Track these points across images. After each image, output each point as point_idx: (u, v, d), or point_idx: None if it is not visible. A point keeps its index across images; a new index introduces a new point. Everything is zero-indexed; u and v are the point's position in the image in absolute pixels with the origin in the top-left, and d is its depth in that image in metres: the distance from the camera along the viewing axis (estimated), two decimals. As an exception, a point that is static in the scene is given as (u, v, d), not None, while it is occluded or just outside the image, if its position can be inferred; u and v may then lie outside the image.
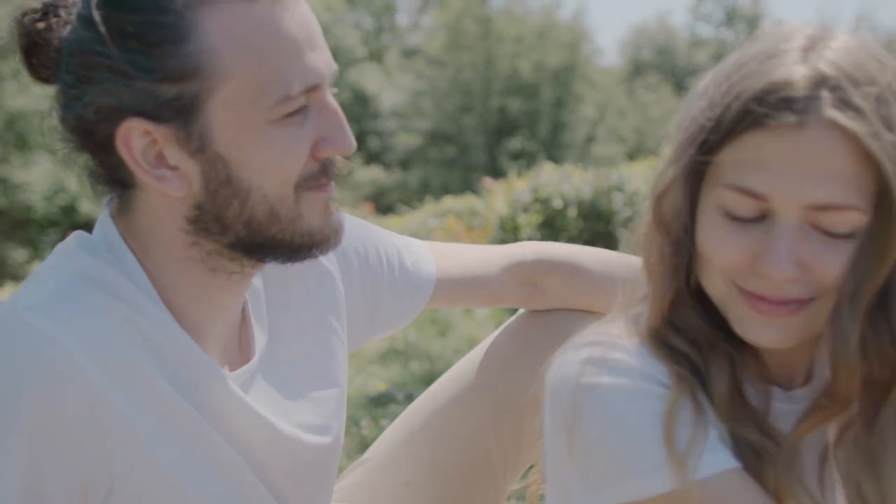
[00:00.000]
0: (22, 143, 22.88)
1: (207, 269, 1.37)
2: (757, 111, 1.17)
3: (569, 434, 1.28)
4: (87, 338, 1.24)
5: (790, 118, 1.15)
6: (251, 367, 1.48)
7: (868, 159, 1.15)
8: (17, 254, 22.28)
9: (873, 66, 1.18)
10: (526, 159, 28.70)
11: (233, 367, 1.46)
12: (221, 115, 1.26)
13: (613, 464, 1.25)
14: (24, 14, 1.32)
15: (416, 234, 9.14)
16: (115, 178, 1.34)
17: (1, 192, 22.57)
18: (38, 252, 21.40)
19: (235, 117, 1.26)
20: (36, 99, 22.61)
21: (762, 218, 1.21)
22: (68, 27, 1.29)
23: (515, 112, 37.71)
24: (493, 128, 37.20)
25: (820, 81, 1.16)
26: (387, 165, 35.18)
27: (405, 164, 36.11)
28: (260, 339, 1.52)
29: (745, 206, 1.20)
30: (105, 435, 1.26)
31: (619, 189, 11.55)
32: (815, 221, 1.18)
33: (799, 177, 1.16)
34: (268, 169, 1.30)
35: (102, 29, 1.23)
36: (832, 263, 1.18)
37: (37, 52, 1.33)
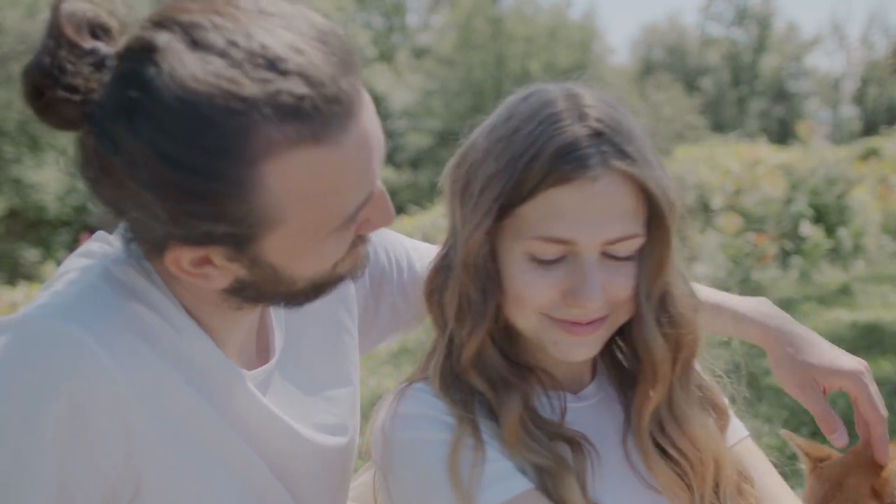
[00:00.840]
0: (34, 145, 22.99)
1: (234, 308, 1.37)
2: (556, 172, 1.37)
3: (386, 484, 1.50)
4: (116, 343, 1.25)
5: (586, 174, 1.37)
6: (269, 368, 1.50)
7: (643, 193, 1.40)
8: (30, 254, 22.39)
9: (618, 114, 1.44)
10: (537, 159, 28.58)
11: (250, 369, 1.47)
12: (276, 244, 1.23)
13: None
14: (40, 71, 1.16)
15: (426, 234, 9.14)
16: (152, 244, 1.26)
17: (14, 192, 22.69)
18: (50, 252, 21.49)
19: (291, 246, 1.24)
20: (48, 100, 22.73)
21: (564, 258, 1.42)
22: (94, 109, 1.16)
23: (526, 112, 37.63)
24: (503, 128, 37.13)
25: (597, 138, 1.39)
26: (397, 165, 35.21)
27: (415, 163, 36.13)
28: (278, 339, 1.54)
29: (552, 251, 1.41)
30: (132, 441, 1.27)
31: (631, 189, 11.59)
32: (608, 252, 1.42)
33: (597, 220, 1.39)
34: (318, 267, 1.31)
35: (157, 176, 1.14)
36: (623, 283, 1.43)
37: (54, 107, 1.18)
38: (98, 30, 1.17)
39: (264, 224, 1.19)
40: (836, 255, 9.99)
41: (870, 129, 35.00)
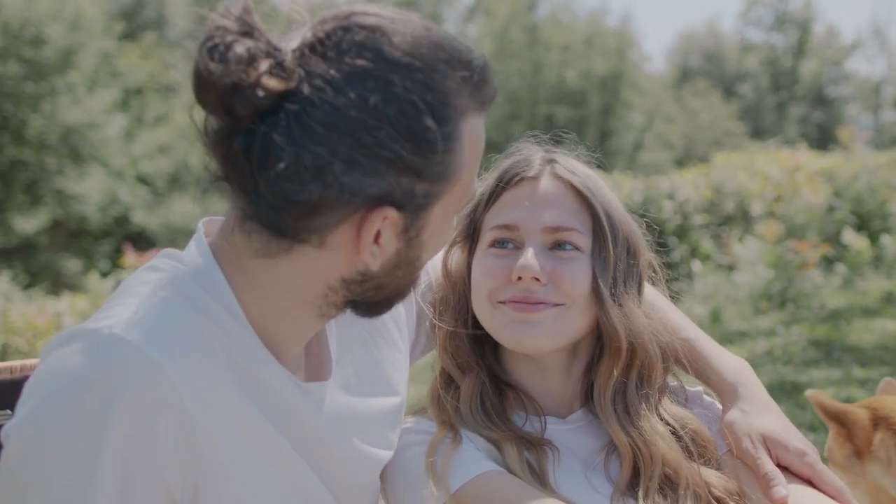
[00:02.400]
0: (76, 156, 23.33)
1: (317, 314, 1.44)
2: (507, 176, 1.76)
3: (384, 495, 1.72)
4: (181, 358, 1.29)
5: (530, 173, 1.75)
6: (328, 383, 1.55)
7: (583, 201, 1.73)
8: (73, 264, 22.71)
9: (588, 171, 1.79)
10: (573, 167, 28.49)
11: (305, 381, 1.52)
12: (439, 212, 1.40)
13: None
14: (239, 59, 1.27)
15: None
16: (288, 230, 1.34)
17: (57, 203, 23.03)
18: (92, 262, 21.78)
19: (444, 214, 1.42)
20: (90, 113, 23.07)
21: (517, 249, 1.71)
22: (298, 81, 1.28)
23: (563, 120, 37.59)
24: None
25: (549, 159, 1.78)
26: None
27: (452, 172, 36.07)
28: (332, 355, 1.60)
29: (503, 236, 1.73)
30: (191, 450, 1.30)
31: (670, 197, 11.51)
32: (553, 242, 1.70)
33: (537, 209, 1.71)
34: (436, 249, 1.47)
35: (393, 123, 1.28)
36: (570, 273, 1.69)
37: (240, 95, 1.27)
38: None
39: (450, 182, 1.37)
40: (880, 262, 9.85)
41: (912, 134, 34.50)
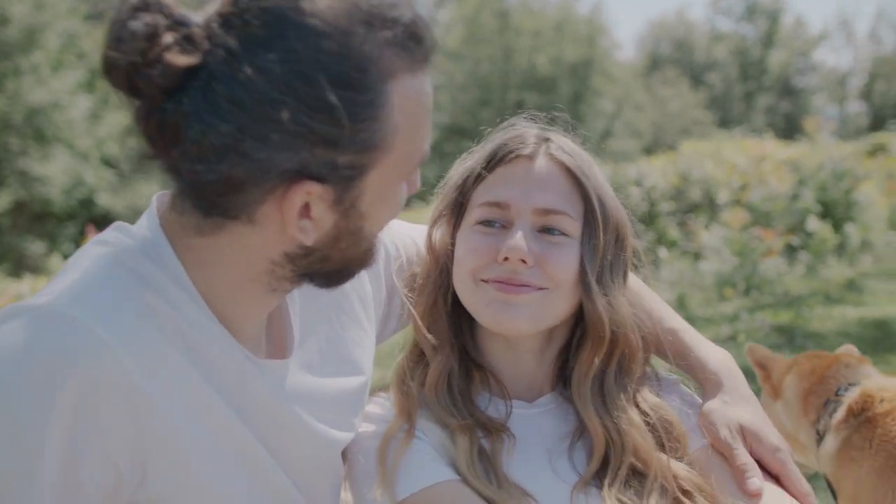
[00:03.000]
0: (40, 137, 23.05)
1: (268, 289, 1.40)
2: (502, 153, 1.69)
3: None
4: (127, 332, 1.26)
5: (524, 151, 1.69)
6: (288, 361, 1.51)
7: (577, 184, 1.68)
8: (36, 246, 22.45)
9: (579, 150, 1.74)
10: (543, 154, 28.63)
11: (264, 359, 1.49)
12: (376, 180, 1.32)
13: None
14: (127, 34, 1.21)
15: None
16: (213, 208, 1.29)
17: (20, 185, 22.74)
18: (55, 245, 21.56)
19: (384, 182, 1.34)
20: (54, 94, 22.78)
21: (504, 228, 1.66)
22: (204, 55, 1.21)
23: (533, 106, 37.36)
24: (510, 122, 37.14)
25: (545, 140, 1.71)
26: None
27: (422, 158, 36.03)
28: (296, 333, 1.56)
29: (492, 214, 1.67)
30: (139, 426, 1.28)
31: (637, 184, 11.56)
32: (542, 225, 1.65)
33: (529, 189, 1.66)
34: (385, 218, 1.42)
35: (300, 96, 1.20)
36: (558, 258, 1.64)
37: (142, 73, 1.21)
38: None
39: (382, 148, 1.28)
40: (843, 250, 9.97)
41: (877, 124, 34.89)
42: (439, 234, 1.76)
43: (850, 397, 2.20)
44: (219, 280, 1.36)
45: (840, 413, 2.19)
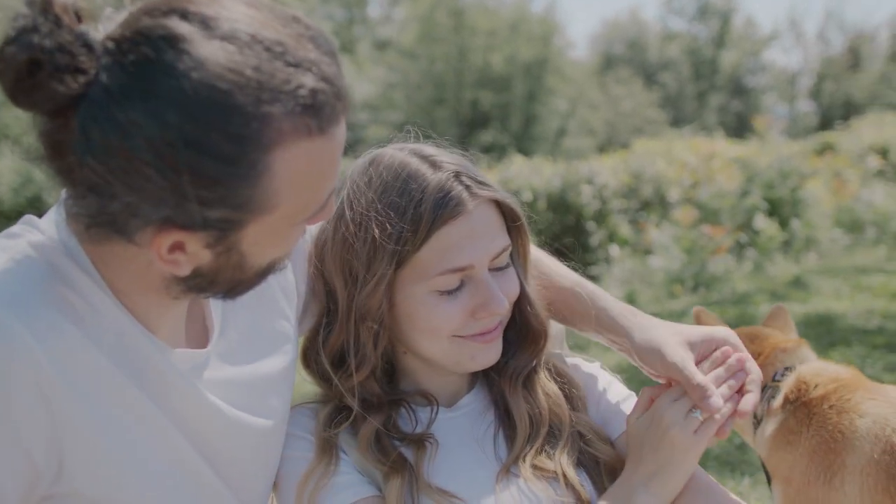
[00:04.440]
0: (-12, 135, 22.63)
1: (169, 296, 1.38)
2: (440, 217, 1.61)
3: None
4: (39, 323, 1.26)
5: (464, 209, 1.62)
6: (206, 352, 1.51)
7: (499, 209, 1.68)
8: (-16, 246, 22.02)
9: (454, 153, 1.70)
10: (497, 152, 28.72)
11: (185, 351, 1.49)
12: (258, 231, 1.27)
13: None
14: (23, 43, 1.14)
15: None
16: (113, 227, 1.25)
17: (-33, 183, 22.29)
18: (4, 244, 21.13)
19: (269, 231, 1.29)
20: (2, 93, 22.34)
21: (463, 284, 1.65)
22: (87, 85, 1.16)
23: (487, 105, 37.75)
24: (465, 120, 37.23)
25: (457, 177, 1.64)
26: (358, 157, 34.96)
27: (377, 156, 35.82)
28: (215, 324, 1.56)
29: (455, 280, 1.64)
30: (54, 418, 1.27)
31: (589, 182, 11.64)
32: (495, 266, 1.67)
33: (483, 242, 1.64)
34: (274, 254, 1.38)
35: (168, 159, 1.14)
36: (513, 286, 1.71)
37: (30, 83, 1.16)
38: (78, 14, 1.17)
39: (261, 209, 1.23)
40: (790, 247, 10.13)
41: (825, 124, 35.48)
42: (369, 297, 1.65)
43: (787, 383, 2.27)
44: (121, 281, 1.36)
45: (777, 399, 2.26)
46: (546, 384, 1.77)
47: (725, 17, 50.21)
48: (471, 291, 1.65)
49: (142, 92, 1.14)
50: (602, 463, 1.72)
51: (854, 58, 48.00)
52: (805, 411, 2.18)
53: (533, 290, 1.77)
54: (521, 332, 1.78)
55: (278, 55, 1.19)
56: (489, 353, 1.70)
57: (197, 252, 1.27)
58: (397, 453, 1.65)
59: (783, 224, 10.33)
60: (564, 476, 1.65)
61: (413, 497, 1.60)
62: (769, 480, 2.26)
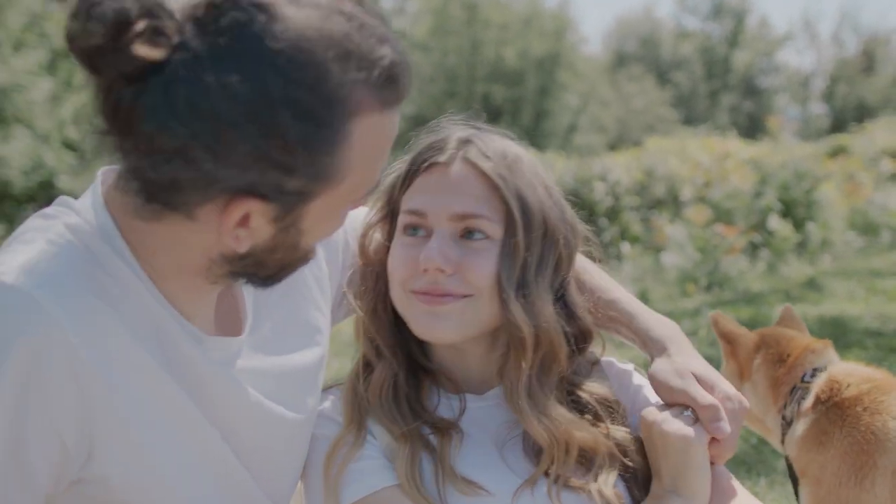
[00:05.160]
0: (1, 118, 22.67)
1: (208, 281, 1.39)
2: (420, 160, 1.68)
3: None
4: (73, 303, 1.25)
5: (441, 158, 1.66)
6: (240, 340, 1.50)
7: (494, 187, 1.63)
8: (-6, 228, 22.09)
9: (505, 145, 1.70)
10: (508, 147, 28.71)
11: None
12: (321, 206, 1.31)
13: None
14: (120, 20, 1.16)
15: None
16: (160, 199, 1.26)
17: (-22, 166, 22.34)
18: (14, 227, 21.18)
19: (329, 207, 1.33)
20: (15, 74, 22.40)
21: (426, 238, 1.64)
22: (172, 51, 1.17)
23: (499, 99, 37.68)
24: (476, 114, 37.12)
25: (465, 142, 1.68)
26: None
27: (387, 148, 35.91)
28: (249, 313, 1.55)
29: (413, 221, 1.66)
30: (86, 402, 1.26)
31: (602, 178, 11.63)
32: (460, 232, 1.63)
33: (445, 196, 1.64)
34: (324, 234, 1.42)
35: (259, 120, 1.17)
36: (480, 264, 1.62)
37: (110, 57, 1.17)
38: None
39: (332, 180, 1.27)
40: (804, 249, 10.10)
41: (838, 126, 35.36)
42: (374, 240, 1.75)
43: (818, 384, 2.24)
44: (160, 264, 1.35)
45: (808, 400, 2.23)
46: (560, 408, 1.67)
47: (739, 17, 50.06)
48: (425, 243, 1.63)
49: (236, 54, 1.16)
50: (640, 473, 1.68)
51: (868, 60, 47.83)
52: (837, 412, 2.16)
53: (513, 296, 1.64)
54: (510, 339, 1.66)
55: (358, 26, 1.21)
56: (432, 323, 1.63)
57: (260, 227, 1.28)
58: (415, 425, 1.64)
59: (797, 226, 10.30)
60: (600, 493, 1.61)
61: (438, 486, 1.58)
62: (794, 482, 2.24)
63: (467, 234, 1.64)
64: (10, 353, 1.20)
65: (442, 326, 1.64)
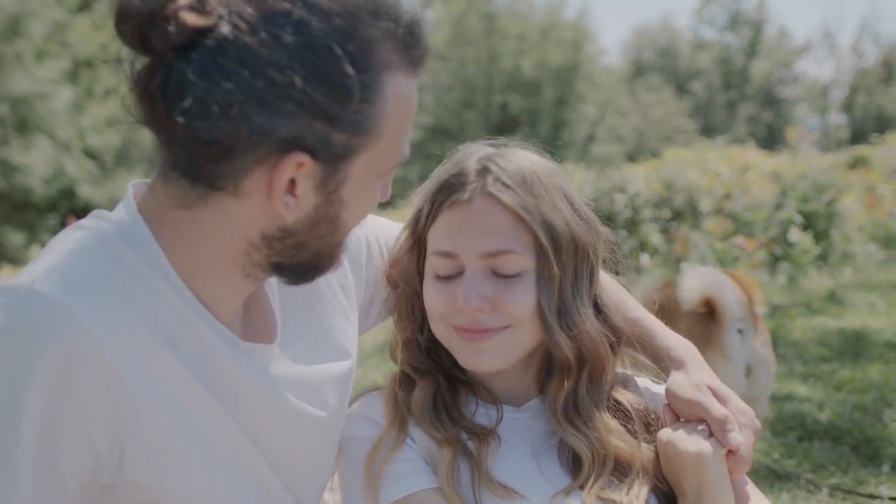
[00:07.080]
0: (23, 126, 22.85)
1: (242, 274, 1.42)
2: (442, 199, 1.69)
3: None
4: (104, 310, 1.27)
5: (462, 196, 1.66)
6: (272, 348, 1.53)
7: (521, 219, 1.65)
8: (16, 237, 22.23)
9: (527, 164, 1.69)
10: (526, 157, 28.70)
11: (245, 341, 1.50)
12: (362, 168, 1.37)
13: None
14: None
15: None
16: (202, 175, 1.32)
17: (0, 174, 22.53)
18: (35, 236, 21.37)
19: (367, 171, 1.38)
20: (37, 83, 22.58)
21: (459, 274, 1.67)
22: (223, 24, 1.24)
23: (517, 109, 37.72)
24: (494, 124, 37.17)
25: (483, 173, 1.67)
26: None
27: (405, 158, 35.96)
28: (276, 319, 1.58)
29: (445, 266, 1.68)
30: (117, 407, 1.28)
31: (622, 190, 11.59)
32: (492, 267, 1.65)
33: (472, 234, 1.65)
34: (361, 211, 1.45)
35: (308, 66, 1.25)
36: (517, 299, 1.65)
37: (158, 28, 1.24)
38: None
39: (370, 135, 1.34)
40: (824, 261, 10.04)
41: (858, 137, 35.19)
42: (404, 270, 1.80)
43: None
44: (195, 258, 1.38)
45: None
46: (605, 419, 1.71)
47: (757, 27, 49.93)
48: (459, 284, 1.67)
49: (282, 11, 1.25)
50: (670, 491, 1.69)
51: (888, 71, 47.61)
52: None
53: (555, 325, 1.68)
54: (555, 362, 1.73)
55: None
56: (474, 356, 1.68)
57: (306, 195, 1.34)
58: (454, 431, 1.67)
59: (818, 238, 10.25)
60: None
61: (474, 490, 1.61)
62: None
63: (497, 270, 1.66)
64: (41, 360, 1.22)
65: (487, 359, 1.68)
